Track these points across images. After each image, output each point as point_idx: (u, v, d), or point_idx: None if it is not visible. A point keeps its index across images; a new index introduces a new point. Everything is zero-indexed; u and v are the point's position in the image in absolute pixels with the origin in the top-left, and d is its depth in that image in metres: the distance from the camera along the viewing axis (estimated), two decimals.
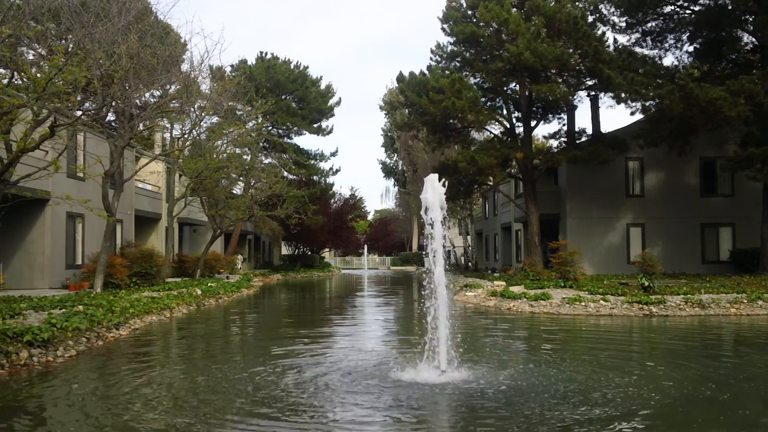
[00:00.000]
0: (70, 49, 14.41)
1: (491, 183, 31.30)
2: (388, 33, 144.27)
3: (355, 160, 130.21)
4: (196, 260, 29.46)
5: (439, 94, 25.48)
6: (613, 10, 27.17)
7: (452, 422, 6.20)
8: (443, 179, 8.14)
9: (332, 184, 51.62)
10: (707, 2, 25.71)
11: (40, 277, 20.14)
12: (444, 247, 7.97)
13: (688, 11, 26.34)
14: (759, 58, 25.35)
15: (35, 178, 14.02)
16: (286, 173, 44.10)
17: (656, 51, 28.06)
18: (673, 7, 26.45)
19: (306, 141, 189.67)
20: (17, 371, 8.44)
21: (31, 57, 17.54)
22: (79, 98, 17.17)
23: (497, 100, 29.89)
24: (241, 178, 33.86)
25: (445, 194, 8.03)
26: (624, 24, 27.46)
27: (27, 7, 14.15)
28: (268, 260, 52.16)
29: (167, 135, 28.91)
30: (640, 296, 16.63)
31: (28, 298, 14.95)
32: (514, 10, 26.07)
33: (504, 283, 22.57)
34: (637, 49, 27.26)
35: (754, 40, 25.61)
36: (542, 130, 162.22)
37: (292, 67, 46.52)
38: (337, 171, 54.36)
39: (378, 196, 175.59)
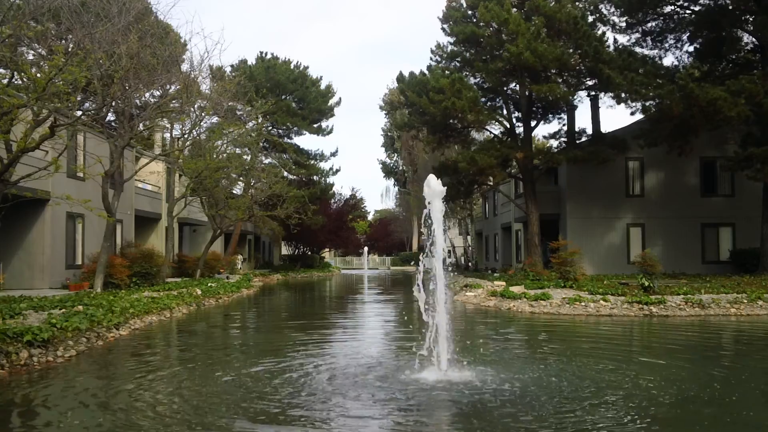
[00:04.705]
0: (70, 49, 14.41)
1: (491, 183, 31.29)
2: (388, 33, 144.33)
3: (355, 160, 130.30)
4: (196, 260, 29.45)
5: (439, 94, 25.48)
6: (613, 10, 27.18)
7: (453, 422, 6.20)
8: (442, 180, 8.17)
9: (332, 184, 51.69)
10: (707, 2, 25.71)
11: (40, 277, 20.12)
12: (444, 248, 7.97)
13: (688, 11, 26.34)
14: (759, 58, 25.34)
15: (35, 178, 13.99)
16: (286, 173, 44.08)
17: (656, 51, 28.08)
18: (673, 7, 26.44)
19: (306, 141, 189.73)
20: (17, 371, 8.43)
21: (31, 57, 17.55)
22: (79, 98, 17.18)
23: (497, 100, 29.89)
24: (241, 178, 33.85)
25: (445, 195, 8.04)
26: (624, 24, 27.47)
27: (27, 7, 14.17)
28: (268, 260, 52.15)
29: (167, 135, 28.92)
30: (640, 296, 16.63)
31: (28, 298, 14.93)
32: (514, 10, 26.07)
33: (504, 283, 22.57)
34: (637, 49, 27.27)
35: (754, 40, 25.60)
36: (542, 130, 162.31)
37: (292, 67, 46.50)
38: (337, 171, 54.41)
39: (378, 196, 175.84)
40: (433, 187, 7.98)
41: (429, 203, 7.96)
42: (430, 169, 34.01)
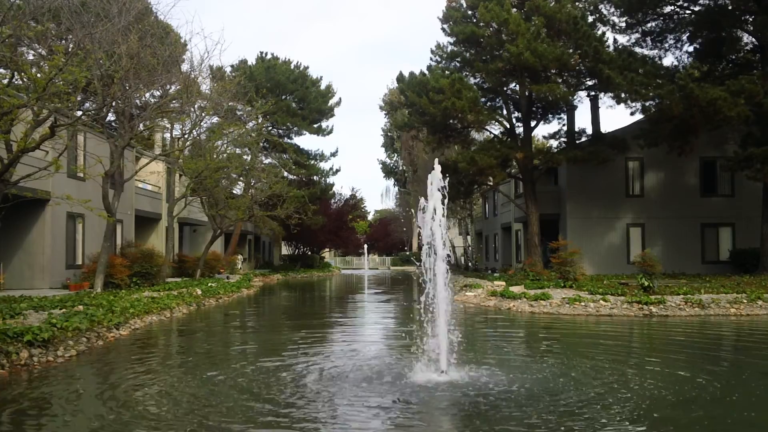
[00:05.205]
0: (70, 49, 14.42)
1: (491, 183, 31.29)
2: (388, 33, 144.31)
3: (355, 160, 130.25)
4: (196, 260, 29.45)
5: (439, 95, 25.47)
6: (613, 10, 27.17)
7: (453, 422, 6.20)
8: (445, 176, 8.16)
9: (332, 184, 51.68)
10: (707, 2, 25.70)
11: (41, 277, 20.13)
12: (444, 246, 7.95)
13: (688, 11, 26.33)
14: (759, 58, 25.33)
15: (35, 178, 14.01)
16: (286, 173, 44.06)
17: (656, 51, 28.07)
18: (673, 7, 26.43)
19: (306, 141, 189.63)
20: (17, 371, 8.44)
21: (31, 57, 17.55)
22: (79, 98, 17.18)
23: (497, 100, 29.87)
24: (241, 178, 33.85)
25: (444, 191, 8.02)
26: (624, 24, 27.46)
27: (27, 7, 14.18)
28: (268, 260, 52.15)
29: (167, 135, 28.91)
30: (640, 296, 16.63)
31: (28, 298, 14.94)
32: (514, 10, 26.06)
33: (504, 283, 22.57)
34: (637, 49, 27.26)
35: (754, 40, 25.59)
36: (542, 130, 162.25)
37: (292, 67, 46.49)
38: (337, 171, 54.37)
39: (378, 196, 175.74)
40: (435, 179, 7.99)
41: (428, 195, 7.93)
42: (430, 169, 34.00)
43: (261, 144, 37.96)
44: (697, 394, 7.04)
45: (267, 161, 43.65)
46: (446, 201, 7.95)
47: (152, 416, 6.23)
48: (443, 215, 7.96)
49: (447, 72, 28.19)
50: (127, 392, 7.29)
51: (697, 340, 12.09)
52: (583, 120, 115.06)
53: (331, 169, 50.64)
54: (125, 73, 17.02)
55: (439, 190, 7.91)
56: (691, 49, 27.78)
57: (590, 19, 26.74)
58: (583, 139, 28.83)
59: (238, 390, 7.35)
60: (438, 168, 8.05)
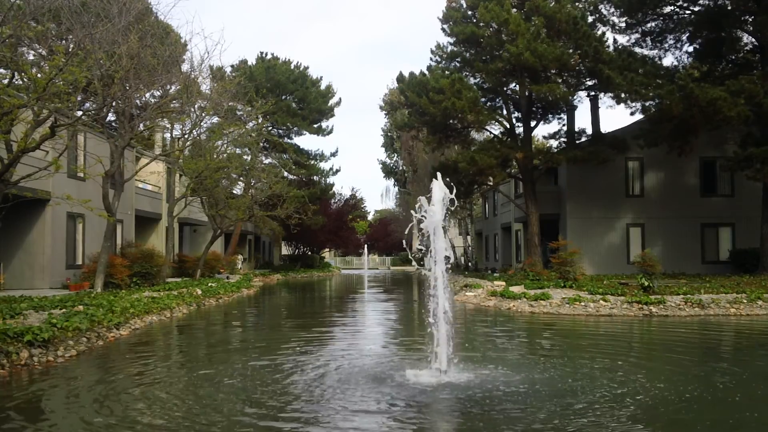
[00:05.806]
0: (70, 50, 14.41)
1: (491, 183, 31.31)
2: (388, 33, 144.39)
3: (355, 160, 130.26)
4: (197, 260, 29.44)
5: (439, 95, 25.48)
6: (613, 10, 27.18)
7: (454, 422, 6.19)
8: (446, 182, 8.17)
9: (332, 185, 51.73)
10: (707, 2, 25.71)
11: (41, 277, 20.12)
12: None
13: (687, 11, 26.34)
14: (759, 58, 25.34)
15: (36, 178, 14.00)
16: (286, 173, 44.08)
17: (656, 51, 28.08)
18: (673, 8, 26.44)
19: (306, 141, 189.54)
20: (18, 371, 8.43)
21: (31, 57, 17.58)
22: (79, 98, 17.18)
23: (497, 100, 29.89)
24: (241, 179, 33.85)
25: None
26: (624, 24, 27.47)
27: (27, 7, 14.17)
28: (268, 260, 52.15)
29: (167, 135, 28.90)
30: (640, 296, 16.63)
31: (28, 298, 14.93)
32: (514, 10, 26.07)
33: (504, 283, 22.57)
34: (637, 49, 27.27)
35: (754, 40, 25.60)
36: (542, 130, 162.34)
37: (292, 67, 46.50)
38: (338, 171, 54.42)
39: (378, 196, 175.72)
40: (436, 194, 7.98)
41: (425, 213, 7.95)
42: (430, 169, 34.02)
43: (261, 144, 37.95)
44: (699, 395, 7.04)
45: (267, 161, 43.67)
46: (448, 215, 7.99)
47: (149, 417, 6.22)
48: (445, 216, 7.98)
49: (447, 72, 28.20)
50: (127, 393, 7.28)
51: (698, 340, 12.10)
52: (583, 120, 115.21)
53: (331, 169, 50.76)
54: (125, 73, 17.01)
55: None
56: (691, 49, 27.83)
57: (590, 19, 26.75)
58: (583, 139, 28.84)
59: (238, 391, 7.34)
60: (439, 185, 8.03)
